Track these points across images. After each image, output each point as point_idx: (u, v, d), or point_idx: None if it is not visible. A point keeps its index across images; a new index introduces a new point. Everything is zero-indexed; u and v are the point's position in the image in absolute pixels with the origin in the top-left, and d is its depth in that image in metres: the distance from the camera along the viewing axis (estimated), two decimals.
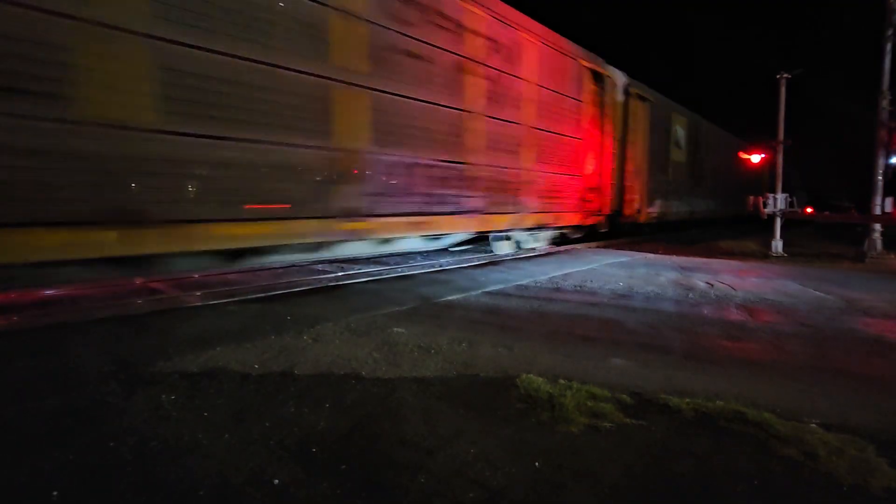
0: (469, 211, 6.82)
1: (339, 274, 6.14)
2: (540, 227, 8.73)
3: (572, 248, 9.97)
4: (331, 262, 7.06)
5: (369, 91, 5.41)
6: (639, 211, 11.39)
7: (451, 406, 2.29)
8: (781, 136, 10.61)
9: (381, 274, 6.17)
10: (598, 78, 9.61)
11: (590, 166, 9.53)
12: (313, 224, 4.98)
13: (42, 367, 2.72)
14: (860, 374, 2.85)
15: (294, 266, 6.71)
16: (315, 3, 4.83)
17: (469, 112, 6.69)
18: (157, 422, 2.09)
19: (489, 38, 6.91)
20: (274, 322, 3.71)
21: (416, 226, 6.16)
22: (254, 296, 4.69)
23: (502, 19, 7.16)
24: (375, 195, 5.58)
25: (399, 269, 6.57)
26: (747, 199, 11.09)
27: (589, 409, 2.25)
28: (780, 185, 10.47)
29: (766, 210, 10.38)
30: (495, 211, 7.32)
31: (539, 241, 9.17)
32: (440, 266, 6.92)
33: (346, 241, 5.77)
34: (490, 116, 7.04)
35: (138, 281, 5.19)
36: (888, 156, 9.43)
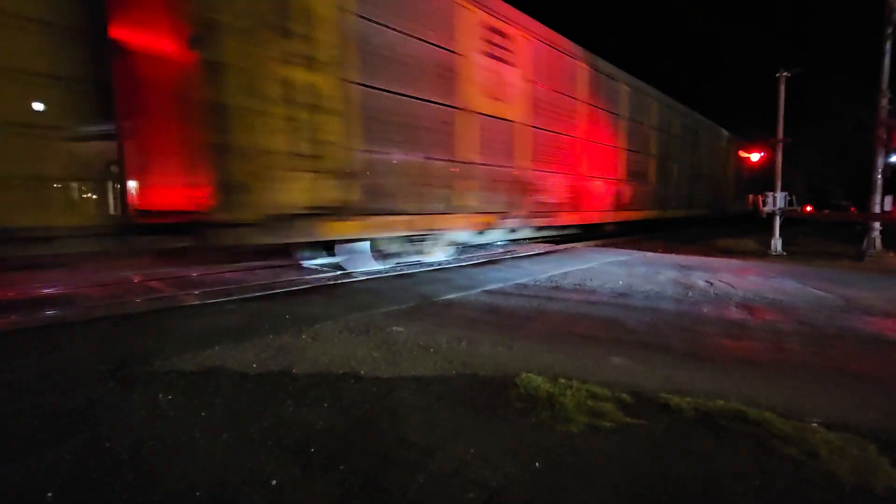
0: (678, 208, 14.50)
1: (339, 273, 6.12)
2: (698, 216, 16.51)
3: (571, 247, 9.97)
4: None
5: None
6: (727, 209, 19.81)
7: (451, 405, 2.28)
8: (781, 134, 10.60)
9: (379, 273, 6.16)
10: (726, 138, 18.82)
11: (716, 183, 18.21)
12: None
13: (38, 366, 2.70)
14: (860, 372, 2.84)
15: (293, 265, 6.69)
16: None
17: (693, 166, 15.55)
18: (154, 421, 2.08)
19: (710, 143, 16.95)
20: (272, 321, 3.70)
21: (657, 213, 13.02)
22: (252, 294, 4.67)
23: (717, 139, 17.13)
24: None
25: (398, 268, 6.55)
26: (747, 198, 11.20)
27: (589, 408, 2.23)
28: (779, 184, 10.47)
29: (765, 209, 10.37)
30: (675, 207, 14.37)
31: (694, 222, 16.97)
32: (439, 265, 6.91)
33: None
34: (694, 170, 15.65)
35: (136, 279, 5.17)
36: (887, 154, 9.42)
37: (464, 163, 6.41)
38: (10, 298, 4.27)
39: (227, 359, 2.84)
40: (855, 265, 8.11)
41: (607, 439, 1.98)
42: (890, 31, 9.06)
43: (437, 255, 7.03)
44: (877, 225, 9.36)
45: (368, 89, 5.05)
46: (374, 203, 5.14)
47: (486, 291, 5.08)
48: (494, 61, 6.69)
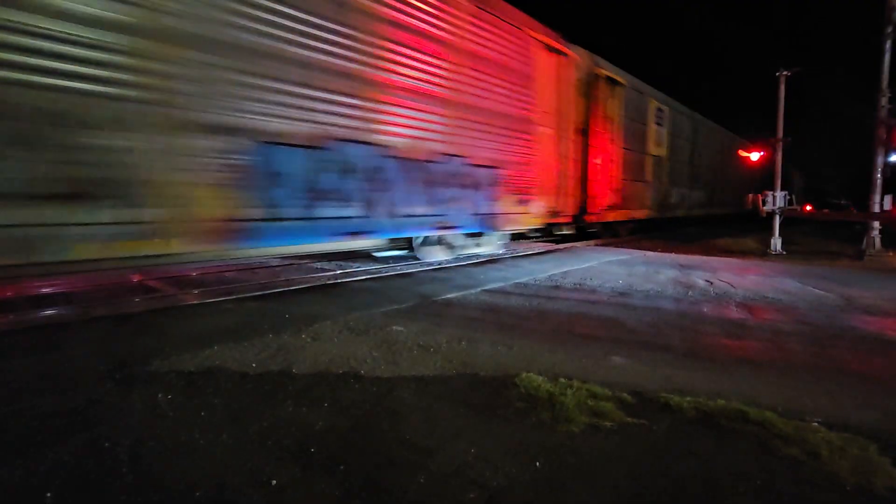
0: (722, 206, 19.96)
1: (338, 272, 6.11)
2: (732, 214, 20.90)
3: (572, 247, 9.97)
4: (329, 259, 7.05)
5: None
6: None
7: (451, 405, 2.28)
8: (781, 133, 10.60)
9: (379, 272, 6.15)
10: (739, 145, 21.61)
11: (736, 184, 21.69)
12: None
13: (37, 366, 2.70)
14: (861, 372, 2.84)
15: (293, 264, 6.69)
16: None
17: (728, 173, 21.08)
18: (153, 422, 2.07)
19: (735, 153, 20.52)
20: (272, 320, 3.69)
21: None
22: (252, 294, 4.67)
23: (739, 148, 19.64)
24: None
25: (398, 268, 6.55)
26: (746, 198, 11.33)
27: (589, 408, 2.23)
28: (778, 183, 10.47)
29: (764, 208, 10.37)
30: (721, 206, 19.97)
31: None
32: (439, 264, 6.91)
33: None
34: (729, 177, 21.29)
35: (136, 278, 5.17)
36: (887, 154, 9.43)
37: (646, 182, 12.65)
38: (10, 297, 4.26)
39: (227, 358, 2.83)
40: (854, 264, 8.12)
41: (608, 439, 1.97)
42: (890, 30, 9.06)
43: (625, 233, 12.56)
44: (876, 224, 9.36)
45: (625, 150, 11.09)
46: (623, 204, 11.16)
47: (486, 291, 5.07)
48: (657, 126, 13.01)
